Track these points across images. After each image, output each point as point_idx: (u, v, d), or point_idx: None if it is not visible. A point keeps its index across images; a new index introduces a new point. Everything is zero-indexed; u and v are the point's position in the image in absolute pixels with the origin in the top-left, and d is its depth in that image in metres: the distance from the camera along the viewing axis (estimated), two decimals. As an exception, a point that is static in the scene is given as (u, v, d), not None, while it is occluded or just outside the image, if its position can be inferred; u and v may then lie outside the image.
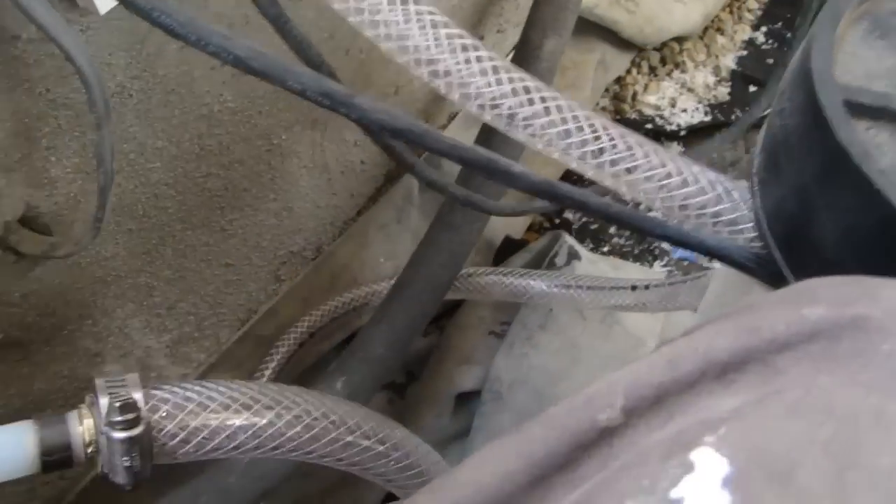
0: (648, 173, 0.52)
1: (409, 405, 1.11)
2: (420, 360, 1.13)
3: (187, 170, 0.77)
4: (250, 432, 0.47)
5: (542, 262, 1.16)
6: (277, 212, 0.89)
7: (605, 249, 1.39)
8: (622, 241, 1.41)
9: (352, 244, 1.02)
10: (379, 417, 0.54)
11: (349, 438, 0.51)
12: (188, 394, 0.47)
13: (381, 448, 0.53)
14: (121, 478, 0.45)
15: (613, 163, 0.52)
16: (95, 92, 0.56)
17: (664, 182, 0.52)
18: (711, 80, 1.53)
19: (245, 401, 0.48)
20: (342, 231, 1.00)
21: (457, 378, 1.10)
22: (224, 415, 0.47)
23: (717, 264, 1.24)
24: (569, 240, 1.16)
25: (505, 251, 1.22)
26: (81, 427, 0.45)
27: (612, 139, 0.52)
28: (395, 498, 1.08)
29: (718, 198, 0.51)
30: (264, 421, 0.48)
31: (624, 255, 1.39)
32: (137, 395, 0.45)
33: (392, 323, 0.89)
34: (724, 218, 0.52)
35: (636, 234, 0.57)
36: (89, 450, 0.45)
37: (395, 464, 0.54)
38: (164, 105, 0.72)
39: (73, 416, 0.46)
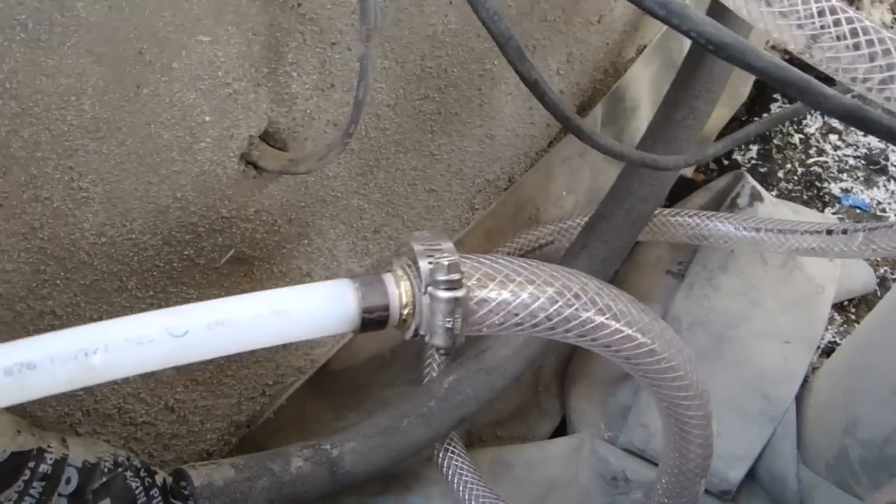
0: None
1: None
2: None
3: (407, 91, 0.76)
4: (550, 310, 0.46)
5: (722, 201, 1.12)
6: (481, 138, 0.88)
7: (773, 193, 1.34)
8: (790, 186, 1.36)
9: (537, 176, 1.00)
10: (652, 314, 0.52)
11: (628, 332, 0.50)
12: (495, 265, 0.46)
13: (654, 346, 0.52)
14: (440, 339, 0.44)
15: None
16: (370, 2, 0.55)
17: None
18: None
19: (546, 278, 0.46)
20: (534, 162, 0.98)
21: (633, 317, 1.08)
22: (529, 289, 0.46)
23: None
24: (751, 180, 1.12)
25: (680, 190, 1.18)
26: (398, 289, 0.44)
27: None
28: (564, 431, 1.08)
29: None
30: (561, 302, 0.46)
31: (792, 200, 1.34)
32: (455, 259, 0.44)
33: (591, 255, 0.87)
34: None
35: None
36: (405, 311, 0.44)
37: (664, 363, 0.53)
38: (396, 24, 0.71)
39: (388, 277, 0.45)
